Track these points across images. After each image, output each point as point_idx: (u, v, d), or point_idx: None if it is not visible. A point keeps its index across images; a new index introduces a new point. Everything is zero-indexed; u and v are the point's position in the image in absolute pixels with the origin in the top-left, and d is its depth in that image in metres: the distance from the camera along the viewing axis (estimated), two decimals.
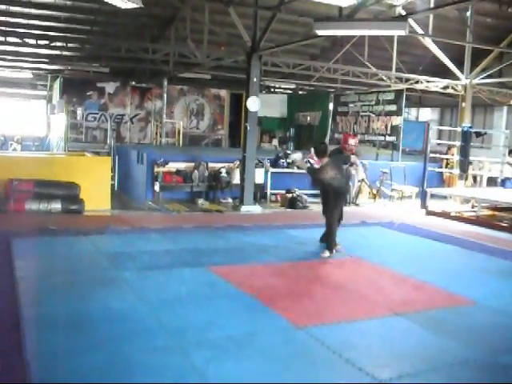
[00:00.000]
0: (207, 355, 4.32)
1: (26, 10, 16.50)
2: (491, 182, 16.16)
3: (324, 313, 5.55)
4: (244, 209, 12.48)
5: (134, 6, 8.10)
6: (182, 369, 4.08)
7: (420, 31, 14.99)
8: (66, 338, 4.52)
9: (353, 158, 10.42)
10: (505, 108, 24.25)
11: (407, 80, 18.51)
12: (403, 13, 14.57)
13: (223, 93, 25.87)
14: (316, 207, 13.15)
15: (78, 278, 6.31)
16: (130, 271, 6.62)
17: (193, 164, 13.77)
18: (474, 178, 16.45)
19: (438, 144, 18.98)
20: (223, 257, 7.55)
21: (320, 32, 9.31)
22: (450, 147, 16.99)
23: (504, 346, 4.94)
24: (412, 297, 6.29)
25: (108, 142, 18.62)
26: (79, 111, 21.63)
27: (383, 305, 5.88)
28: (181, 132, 23.39)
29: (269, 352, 4.46)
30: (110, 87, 23.11)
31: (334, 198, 8.16)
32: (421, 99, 27.36)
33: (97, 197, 11.24)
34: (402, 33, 8.88)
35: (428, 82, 18.29)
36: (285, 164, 14.52)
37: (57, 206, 10.55)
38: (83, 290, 5.83)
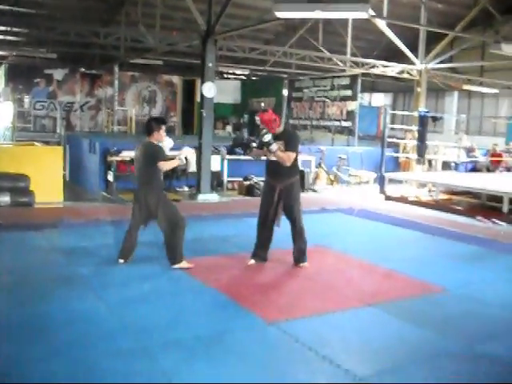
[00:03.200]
0: (176, 357, 4.04)
1: None
2: (445, 166, 16.37)
3: (294, 306, 5.33)
4: (201, 197, 12.16)
5: None
6: (151, 373, 3.78)
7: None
8: (24, 344, 4.15)
9: None
10: (455, 93, 24.61)
11: (363, 65, 18.43)
12: None
13: (175, 79, 25.40)
14: None
15: (31, 276, 5.90)
16: (87, 267, 6.24)
17: None
18: (429, 162, 16.57)
19: (392, 129, 19.04)
20: (184, 249, 7.19)
21: (280, 14, 8.98)
22: (405, 131, 17.07)
23: (480, 335, 4.81)
24: (383, 286, 6.14)
25: (58, 130, 17.97)
26: (26, 99, 20.86)
27: (354, 296, 5.71)
28: (133, 120, 22.86)
29: (241, 351, 4.20)
30: (58, 74, 22.36)
31: None
32: (374, 84, 27.53)
33: (48, 188, 10.70)
34: (365, 15, 8.69)
35: (384, 66, 18.23)
36: (241, 151, 14.22)
37: (5, 198, 9.99)
38: (39, 290, 5.43)
